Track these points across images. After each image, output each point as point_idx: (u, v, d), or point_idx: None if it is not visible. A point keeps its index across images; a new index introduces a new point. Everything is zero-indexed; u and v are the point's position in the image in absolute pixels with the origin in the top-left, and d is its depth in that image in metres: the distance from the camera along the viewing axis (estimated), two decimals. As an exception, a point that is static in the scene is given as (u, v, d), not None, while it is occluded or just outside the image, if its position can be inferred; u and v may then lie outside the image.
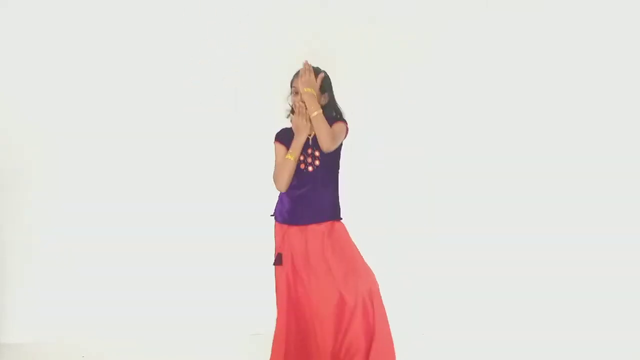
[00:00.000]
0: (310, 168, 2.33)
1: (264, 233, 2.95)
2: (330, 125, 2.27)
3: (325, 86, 2.34)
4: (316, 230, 2.34)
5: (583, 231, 3.01)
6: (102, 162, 3.01)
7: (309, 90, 2.23)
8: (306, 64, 2.26)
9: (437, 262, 3.04)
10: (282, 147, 2.34)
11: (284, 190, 2.34)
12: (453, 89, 3.03)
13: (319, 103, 2.27)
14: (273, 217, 2.43)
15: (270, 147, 2.92)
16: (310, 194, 2.33)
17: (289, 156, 2.28)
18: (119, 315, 3.01)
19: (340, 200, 2.39)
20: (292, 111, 2.33)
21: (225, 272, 3.02)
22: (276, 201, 2.42)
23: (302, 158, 2.33)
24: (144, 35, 2.97)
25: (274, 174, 2.34)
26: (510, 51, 3.01)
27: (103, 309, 3.01)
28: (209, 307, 3.01)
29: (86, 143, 3.00)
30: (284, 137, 2.36)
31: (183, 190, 3.04)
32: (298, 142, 2.28)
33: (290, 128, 2.35)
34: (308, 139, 2.33)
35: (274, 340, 2.37)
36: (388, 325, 2.28)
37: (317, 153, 2.33)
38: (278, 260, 2.36)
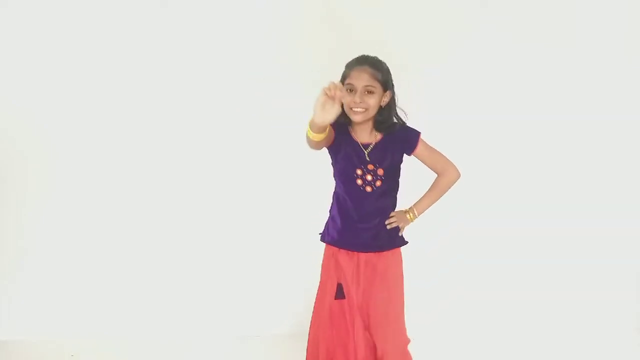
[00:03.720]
0: (368, 188, 1.98)
1: (261, 234, 2.99)
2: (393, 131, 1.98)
3: (389, 82, 1.98)
4: (366, 259, 2.03)
5: (588, 234, 3.02)
6: (99, 161, 2.96)
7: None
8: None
9: (436, 262, 3.04)
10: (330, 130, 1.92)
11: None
12: (454, 91, 3.01)
13: (379, 104, 1.94)
14: (320, 236, 2.12)
15: (270, 146, 2.97)
16: (369, 218, 2.01)
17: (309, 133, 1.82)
18: (109, 314, 2.98)
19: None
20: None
21: (219, 273, 3.00)
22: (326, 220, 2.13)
23: (359, 172, 1.98)
24: (149, 36, 2.91)
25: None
26: (511, 51, 2.99)
27: (93, 308, 2.98)
28: (201, 307, 3.00)
29: (84, 142, 2.96)
30: (338, 123, 1.96)
31: (181, 190, 2.99)
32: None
33: (339, 125, 1.98)
34: (365, 152, 1.99)
35: None
36: None
37: (380, 172, 1.98)
38: (340, 294, 2.03)
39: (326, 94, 1.61)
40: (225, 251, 3.01)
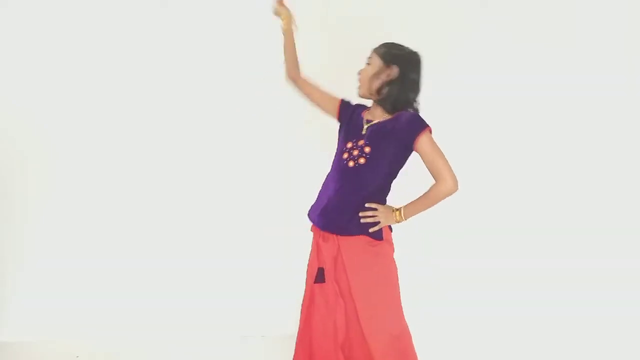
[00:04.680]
0: (351, 163, 1.94)
1: (266, 234, 2.98)
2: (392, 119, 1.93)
3: (395, 57, 1.96)
4: (346, 244, 1.95)
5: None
6: (99, 161, 2.97)
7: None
8: None
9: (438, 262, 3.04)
10: (336, 103, 2.10)
11: (290, 78, 2.16)
12: (453, 91, 3.01)
13: (380, 78, 1.95)
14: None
15: (270, 146, 2.96)
16: (342, 194, 1.94)
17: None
18: (113, 315, 2.97)
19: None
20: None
21: (224, 273, 2.99)
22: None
23: (349, 146, 1.96)
24: (149, 36, 2.92)
25: None
26: (511, 51, 2.99)
27: (97, 309, 2.97)
28: (204, 307, 2.98)
29: (84, 142, 2.96)
30: (347, 106, 2.08)
31: (183, 190, 3.00)
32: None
33: (357, 104, 2.09)
34: (364, 127, 1.97)
35: None
36: None
37: (367, 149, 1.92)
38: (319, 278, 1.98)
39: None
40: (229, 251, 3.00)
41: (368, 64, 2.01)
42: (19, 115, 2.92)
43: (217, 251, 3.01)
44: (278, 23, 2.20)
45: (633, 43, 2.99)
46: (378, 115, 1.99)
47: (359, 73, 2.02)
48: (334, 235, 1.98)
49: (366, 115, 2.03)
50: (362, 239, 1.94)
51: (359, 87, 2.03)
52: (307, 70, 2.79)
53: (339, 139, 2.06)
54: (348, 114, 2.06)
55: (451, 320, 2.98)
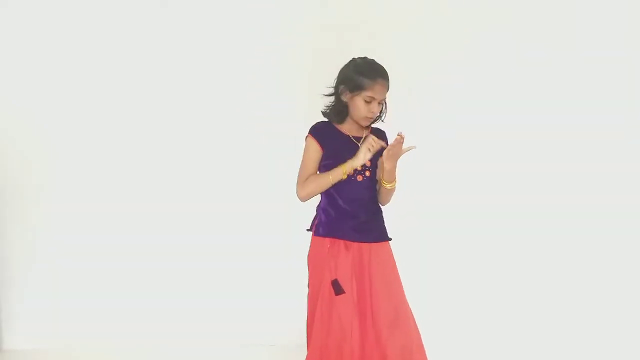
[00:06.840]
0: (359, 177, 2.08)
1: (275, 242, 2.97)
2: None
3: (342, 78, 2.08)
4: (364, 250, 2.06)
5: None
6: (99, 161, 2.97)
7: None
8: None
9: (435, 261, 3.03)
10: (315, 146, 2.07)
11: (303, 201, 2.08)
12: (454, 92, 3.01)
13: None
14: (309, 231, 2.14)
15: (272, 148, 2.96)
16: (358, 207, 2.07)
17: (330, 177, 2.02)
18: (116, 322, 2.97)
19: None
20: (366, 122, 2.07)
21: (234, 280, 2.98)
22: (314, 215, 2.15)
23: None
24: (149, 36, 2.92)
25: (300, 176, 2.08)
26: (511, 53, 2.98)
27: (103, 317, 2.97)
28: (204, 307, 2.97)
29: (84, 142, 2.96)
30: (320, 134, 2.09)
31: (189, 195, 2.99)
32: (348, 167, 2.01)
33: (328, 122, 2.12)
34: (358, 144, 2.07)
35: None
36: None
37: (367, 162, 2.06)
38: (338, 289, 2.01)
39: (369, 149, 1.99)
40: (238, 260, 2.99)
41: (381, 103, 2.07)
42: (19, 115, 2.93)
43: (217, 251, 3.00)
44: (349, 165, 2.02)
45: (633, 43, 2.98)
46: (356, 130, 2.13)
47: (372, 111, 2.04)
48: (358, 244, 2.06)
49: (346, 132, 2.11)
50: (384, 245, 2.12)
51: (370, 119, 2.08)
52: (307, 70, 2.81)
53: (326, 155, 2.08)
54: (324, 137, 2.10)
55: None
